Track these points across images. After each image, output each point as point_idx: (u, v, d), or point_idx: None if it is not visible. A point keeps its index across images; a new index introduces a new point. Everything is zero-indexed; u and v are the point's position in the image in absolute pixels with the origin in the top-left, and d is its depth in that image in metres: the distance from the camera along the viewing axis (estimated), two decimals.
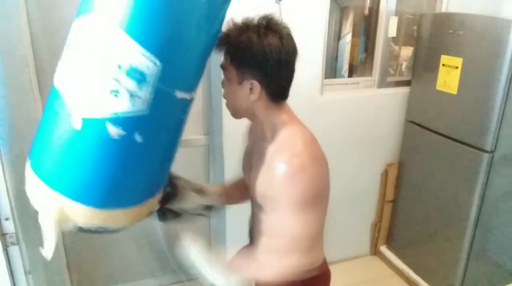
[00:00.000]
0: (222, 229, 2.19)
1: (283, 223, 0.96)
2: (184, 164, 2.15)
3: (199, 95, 2.03)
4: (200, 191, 1.20)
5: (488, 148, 1.88)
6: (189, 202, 1.16)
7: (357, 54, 2.33)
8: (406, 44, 2.34)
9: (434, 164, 2.18)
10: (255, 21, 0.94)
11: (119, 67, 0.78)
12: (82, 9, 0.84)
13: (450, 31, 1.99)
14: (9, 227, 1.32)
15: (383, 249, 2.62)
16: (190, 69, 0.89)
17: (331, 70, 2.28)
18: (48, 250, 0.89)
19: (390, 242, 2.61)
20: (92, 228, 0.91)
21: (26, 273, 1.37)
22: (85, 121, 0.81)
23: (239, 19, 0.95)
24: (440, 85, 2.08)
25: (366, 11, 2.29)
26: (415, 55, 2.29)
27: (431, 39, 2.14)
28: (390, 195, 2.52)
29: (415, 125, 2.30)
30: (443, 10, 2.28)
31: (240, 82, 0.95)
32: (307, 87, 2.08)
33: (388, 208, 2.54)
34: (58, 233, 0.88)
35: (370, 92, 2.33)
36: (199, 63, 0.91)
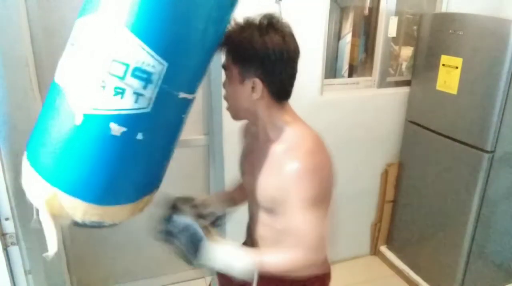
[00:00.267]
0: (222, 231, 2.19)
1: (302, 221, 0.95)
2: (184, 164, 2.17)
3: (199, 95, 2.02)
4: (202, 206, 1.17)
5: (488, 148, 1.88)
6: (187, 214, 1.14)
7: (357, 54, 2.33)
8: (406, 44, 2.34)
9: (434, 164, 2.18)
10: (257, 19, 0.94)
11: (126, 67, 0.79)
12: (86, 8, 0.84)
13: (450, 31, 1.99)
14: (9, 227, 1.32)
15: (383, 249, 2.62)
16: (194, 71, 0.90)
17: (331, 70, 2.28)
18: (51, 245, 0.89)
19: (390, 242, 2.61)
20: (88, 223, 0.91)
21: (26, 273, 1.37)
22: (87, 117, 0.81)
23: (240, 19, 0.95)
24: (440, 85, 2.08)
25: (366, 11, 2.29)
26: (415, 55, 2.29)
27: (431, 39, 2.14)
28: (390, 195, 2.52)
29: (415, 125, 2.30)
30: (443, 10, 2.28)
31: (242, 81, 0.95)
32: (307, 87, 2.09)
33: (388, 208, 2.54)
34: (57, 227, 0.88)
35: (370, 92, 2.33)
36: (203, 65, 0.92)
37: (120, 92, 0.80)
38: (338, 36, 2.27)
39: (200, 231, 1.00)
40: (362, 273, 2.51)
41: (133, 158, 0.88)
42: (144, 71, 0.80)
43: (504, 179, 1.94)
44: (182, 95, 0.88)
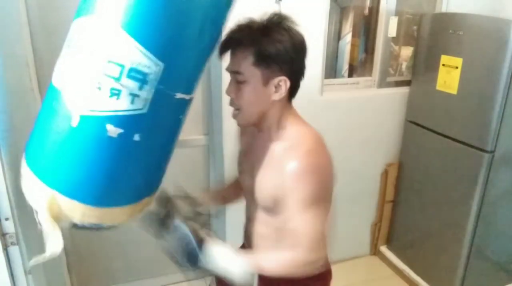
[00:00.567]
0: (222, 229, 2.19)
1: (300, 221, 0.95)
2: (184, 164, 2.17)
3: (199, 95, 2.03)
4: (194, 202, 1.17)
5: (488, 148, 1.88)
6: (182, 213, 1.14)
7: (357, 54, 2.33)
8: (406, 44, 2.34)
9: (434, 164, 2.18)
10: (270, 19, 0.94)
11: (121, 67, 0.79)
12: (82, 10, 0.84)
13: (450, 31, 1.99)
14: (9, 227, 1.31)
15: (383, 249, 2.62)
16: (190, 71, 0.89)
17: (331, 70, 2.28)
18: (55, 247, 0.89)
19: (390, 242, 2.61)
20: (86, 225, 0.91)
21: (26, 273, 1.37)
22: (83, 119, 0.81)
23: (243, 21, 0.95)
24: (440, 85, 2.08)
25: (366, 11, 2.28)
26: (415, 55, 2.29)
27: (431, 39, 2.14)
28: (390, 195, 2.52)
29: (415, 125, 2.30)
30: (443, 10, 2.28)
31: (266, 83, 0.94)
32: (307, 87, 2.05)
33: (388, 208, 2.54)
34: (60, 228, 0.88)
35: (370, 92, 2.33)
36: (200, 65, 0.91)
37: (116, 93, 0.80)
38: (338, 36, 2.27)
39: (194, 242, 0.99)
40: (362, 273, 2.51)
41: (130, 159, 0.88)
42: (140, 72, 0.79)
43: (504, 179, 1.94)
44: (179, 95, 0.87)
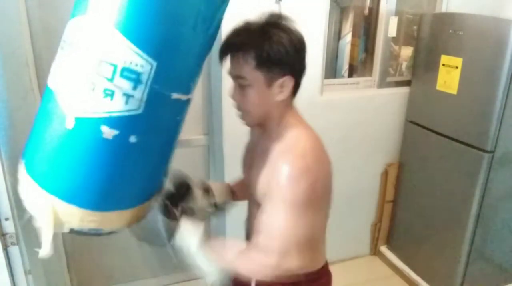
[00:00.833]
0: (222, 229, 2.19)
1: (275, 223, 0.94)
2: (184, 164, 2.15)
3: (199, 95, 2.03)
4: (207, 190, 1.19)
5: (488, 148, 1.88)
6: (200, 202, 1.15)
7: (357, 54, 2.33)
8: (406, 44, 2.34)
9: (434, 164, 2.18)
10: (267, 20, 0.93)
11: (114, 67, 0.77)
12: (76, 10, 0.83)
13: (450, 31, 1.99)
14: (9, 227, 1.31)
15: (383, 249, 2.63)
16: (186, 70, 0.88)
17: (331, 70, 2.28)
18: (45, 250, 0.88)
19: (390, 242, 2.61)
20: (85, 230, 0.89)
21: (26, 273, 1.37)
22: (78, 121, 0.80)
23: (240, 24, 0.94)
24: (440, 85, 2.08)
25: (366, 11, 2.29)
26: (415, 55, 2.29)
27: (431, 39, 2.14)
28: (390, 195, 2.52)
29: (415, 125, 2.30)
30: (443, 10, 2.28)
31: (270, 85, 0.93)
32: (307, 87, 2.06)
33: (388, 208, 2.54)
34: (53, 234, 0.86)
35: (370, 92, 2.33)
36: (196, 64, 0.90)
37: (109, 94, 0.78)
38: (338, 36, 2.27)
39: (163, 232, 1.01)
40: (362, 273, 2.51)
41: (127, 162, 0.86)
42: (133, 72, 0.78)
43: (504, 179, 1.94)
44: (175, 96, 0.85)
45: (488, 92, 1.84)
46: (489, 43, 1.82)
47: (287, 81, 0.94)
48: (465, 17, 1.96)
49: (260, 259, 0.96)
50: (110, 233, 0.94)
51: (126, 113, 0.80)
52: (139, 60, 0.78)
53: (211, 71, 1.90)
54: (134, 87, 0.79)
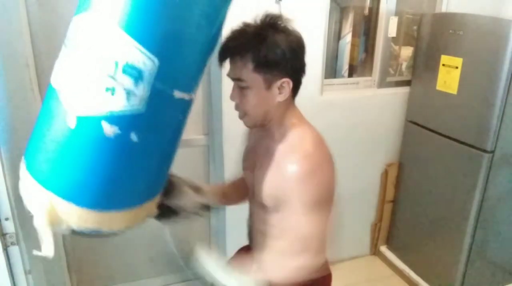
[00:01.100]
0: (222, 229, 2.19)
1: (295, 224, 0.96)
2: (184, 164, 2.15)
3: (199, 95, 2.03)
4: (196, 190, 1.19)
5: (488, 148, 1.88)
6: (186, 199, 1.14)
7: (357, 54, 2.33)
8: (406, 44, 2.34)
9: (434, 163, 2.18)
10: (263, 22, 0.93)
11: (116, 64, 0.77)
12: (80, 7, 0.83)
13: (450, 31, 1.99)
14: (9, 227, 1.32)
15: (383, 249, 2.63)
16: (188, 69, 0.87)
17: (331, 70, 2.28)
18: (47, 250, 0.87)
19: (390, 242, 2.61)
20: (85, 231, 0.89)
21: (26, 273, 1.37)
22: (80, 119, 0.80)
23: (237, 27, 0.94)
24: (440, 85, 2.08)
25: (366, 11, 2.29)
26: (415, 55, 2.29)
27: (431, 39, 2.14)
28: (390, 195, 2.52)
29: (415, 125, 2.30)
30: (443, 10, 2.28)
31: (269, 86, 0.94)
32: (307, 87, 2.06)
33: (388, 208, 2.54)
34: (53, 233, 0.86)
35: (370, 92, 2.33)
36: (199, 63, 0.90)
37: (111, 91, 0.78)
38: (338, 36, 2.27)
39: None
40: (362, 273, 2.51)
41: (128, 161, 0.86)
42: (135, 68, 0.77)
43: (504, 179, 1.94)
44: (177, 95, 0.85)
45: (488, 92, 1.84)
46: (489, 43, 1.82)
47: (286, 82, 0.94)
48: (465, 17, 1.96)
49: (293, 264, 0.97)
50: (109, 234, 0.93)
51: (128, 111, 0.80)
52: (141, 57, 0.77)
53: (211, 71, 1.90)
54: (136, 85, 0.79)
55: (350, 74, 2.34)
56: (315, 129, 1.02)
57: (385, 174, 2.48)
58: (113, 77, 0.78)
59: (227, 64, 0.98)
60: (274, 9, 1.83)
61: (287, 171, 0.93)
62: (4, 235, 1.31)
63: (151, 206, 1.00)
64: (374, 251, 2.67)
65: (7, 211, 1.31)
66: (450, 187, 2.09)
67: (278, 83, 0.94)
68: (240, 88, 0.96)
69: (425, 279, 2.31)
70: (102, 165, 0.84)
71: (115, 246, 2.15)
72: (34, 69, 1.61)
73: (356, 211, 2.52)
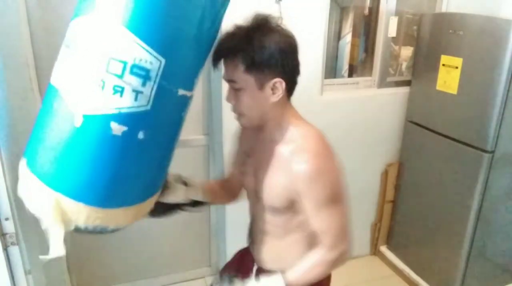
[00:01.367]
0: (222, 229, 2.19)
1: (331, 219, 0.99)
2: (184, 164, 2.15)
3: (199, 95, 2.03)
4: (186, 184, 1.18)
5: (488, 148, 1.88)
6: (178, 195, 1.14)
7: (357, 54, 2.33)
8: (406, 44, 2.34)
9: (434, 164, 2.19)
10: (253, 23, 0.93)
11: (123, 63, 0.79)
12: (81, 9, 0.83)
13: (450, 31, 1.99)
14: (9, 227, 1.32)
15: (383, 249, 2.63)
16: (191, 67, 0.90)
17: (331, 70, 2.28)
18: (57, 251, 0.87)
19: (390, 242, 2.61)
20: (90, 228, 0.89)
21: (26, 273, 1.37)
22: (86, 118, 0.81)
23: (229, 29, 0.95)
24: (440, 85, 2.08)
25: (366, 11, 2.29)
26: (415, 55, 2.29)
27: (431, 39, 2.14)
28: (390, 195, 2.52)
29: (415, 125, 2.30)
30: (443, 10, 2.28)
31: (261, 87, 0.94)
32: (307, 87, 2.08)
33: (388, 208, 2.54)
34: (63, 228, 0.86)
35: (370, 92, 2.33)
36: (200, 62, 0.92)
37: (119, 90, 0.80)
38: (338, 36, 2.27)
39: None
40: (362, 273, 2.51)
41: (135, 158, 0.88)
42: (142, 68, 0.80)
43: (504, 179, 1.94)
44: (181, 92, 0.87)
45: (488, 92, 1.84)
46: (489, 43, 1.82)
47: (279, 82, 0.94)
48: (465, 17, 1.96)
49: (332, 256, 1.01)
50: (114, 230, 0.94)
51: (135, 110, 0.82)
52: (148, 57, 0.79)
53: (211, 71, 1.90)
54: (144, 84, 0.81)
55: (350, 74, 2.34)
56: (315, 127, 1.02)
57: (385, 174, 2.48)
58: (121, 77, 0.79)
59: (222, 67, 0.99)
60: (274, 9, 1.84)
61: (297, 170, 0.94)
62: (4, 235, 1.31)
63: (154, 200, 1.02)
64: (374, 251, 2.67)
65: (7, 211, 1.31)
66: (450, 187, 2.09)
67: (271, 83, 0.94)
68: (235, 90, 0.97)
69: (425, 279, 2.31)
70: (110, 163, 0.85)
71: (115, 246, 2.15)
72: (34, 69, 1.61)
73: (356, 211, 2.48)
